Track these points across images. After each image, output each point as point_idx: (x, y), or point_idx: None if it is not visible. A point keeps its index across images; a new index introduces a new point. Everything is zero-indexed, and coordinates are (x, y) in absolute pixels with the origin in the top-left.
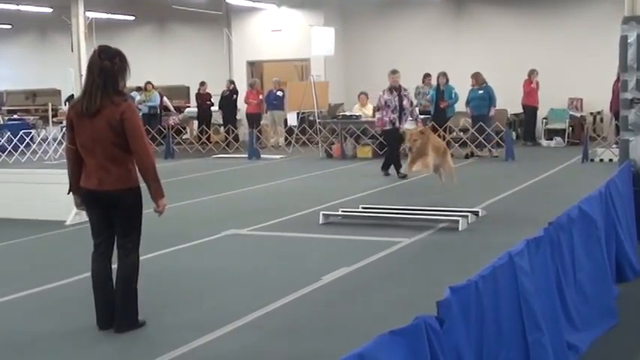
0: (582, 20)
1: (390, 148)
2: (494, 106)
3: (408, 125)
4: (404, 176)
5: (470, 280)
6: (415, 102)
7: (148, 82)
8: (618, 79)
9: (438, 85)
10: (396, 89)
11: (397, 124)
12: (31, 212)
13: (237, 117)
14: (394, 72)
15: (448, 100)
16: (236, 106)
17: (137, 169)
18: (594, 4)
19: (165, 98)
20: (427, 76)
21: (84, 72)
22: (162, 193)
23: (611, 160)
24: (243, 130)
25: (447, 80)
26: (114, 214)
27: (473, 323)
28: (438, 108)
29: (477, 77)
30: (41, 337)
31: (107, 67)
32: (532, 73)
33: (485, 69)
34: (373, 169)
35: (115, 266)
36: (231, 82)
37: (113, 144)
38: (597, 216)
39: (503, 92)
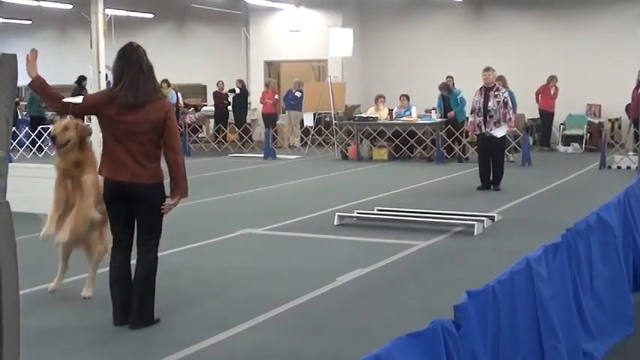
0: (602, 26)
1: (479, 157)
2: (514, 112)
3: (497, 132)
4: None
5: (487, 285)
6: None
7: (164, 81)
8: (639, 85)
9: (444, 95)
10: (487, 88)
11: (483, 128)
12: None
13: (253, 117)
14: (486, 69)
15: (454, 107)
16: (246, 106)
17: (168, 165)
18: (615, 9)
19: (178, 94)
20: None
21: (102, 69)
22: (187, 193)
23: (628, 167)
24: (259, 130)
25: (449, 90)
26: (139, 209)
27: (489, 328)
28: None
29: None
30: (55, 331)
31: (149, 64)
32: (552, 79)
33: (504, 73)
34: (389, 170)
35: (132, 262)
36: (240, 81)
37: (150, 140)
38: (615, 223)
39: (520, 97)
